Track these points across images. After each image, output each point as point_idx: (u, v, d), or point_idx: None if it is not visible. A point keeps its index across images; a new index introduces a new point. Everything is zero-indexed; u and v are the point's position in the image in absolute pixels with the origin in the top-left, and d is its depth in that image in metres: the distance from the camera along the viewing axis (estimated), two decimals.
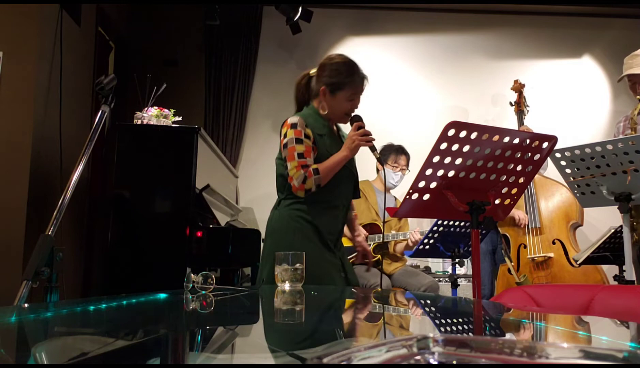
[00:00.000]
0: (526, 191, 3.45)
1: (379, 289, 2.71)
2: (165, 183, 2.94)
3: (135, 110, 3.10)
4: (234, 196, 4.38)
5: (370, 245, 3.16)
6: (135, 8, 4.64)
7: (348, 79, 2.09)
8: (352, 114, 2.14)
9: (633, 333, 0.78)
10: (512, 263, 3.35)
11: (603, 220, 3.59)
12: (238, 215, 4.21)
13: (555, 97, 4.77)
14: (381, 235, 3.17)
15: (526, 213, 3.45)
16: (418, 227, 3.24)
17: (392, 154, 3.41)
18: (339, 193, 2.14)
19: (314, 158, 2.07)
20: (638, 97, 2.72)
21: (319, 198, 2.07)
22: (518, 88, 3.87)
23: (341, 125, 2.30)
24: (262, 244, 3.23)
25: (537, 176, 3.48)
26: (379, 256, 3.21)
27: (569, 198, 3.36)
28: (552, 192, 3.47)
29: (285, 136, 2.09)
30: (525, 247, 3.40)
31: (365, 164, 3.04)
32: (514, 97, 3.89)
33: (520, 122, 3.78)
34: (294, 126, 2.07)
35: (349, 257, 2.46)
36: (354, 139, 2.06)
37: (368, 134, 2.07)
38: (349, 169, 2.17)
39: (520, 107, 3.82)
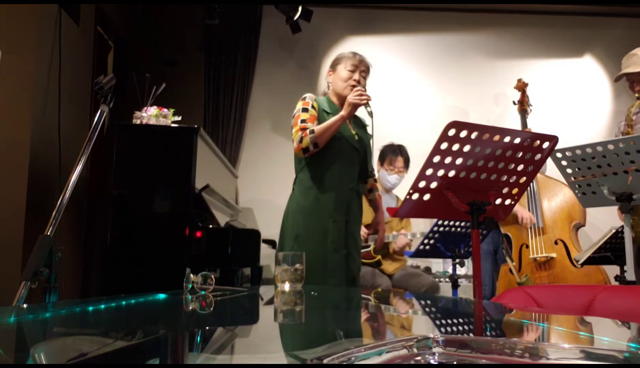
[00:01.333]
0: (529, 191, 3.43)
1: (380, 289, 2.71)
2: (165, 183, 2.93)
3: (135, 110, 3.09)
4: (233, 196, 4.37)
5: (370, 245, 3.15)
6: (134, 8, 4.64)
7: (345, 54, 2.39)
8: None
9: (634, 334, 0.78)
10: (514, 263, 3.34)
11: (605, 220, 3.58)
12: (238, 215, 4.20)
13: (556, 97, 4.76)
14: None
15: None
16: (403, 230, 3.23)
17: (388, 155, 3.39)
18: (337, 169, 2.25)
19: None
20: (636, 94, 2.73)
21: (325, 175, 2.23)
22: (522, 86, 3.85)
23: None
24: (261, 244, 3.23)
25: (540, 176, 3.47)
26: (379, 257, 3.20)
27: (572, 198, 3.34)
28: (555, 192, 3.45)
29: (295, 109, 2.28)
30: (527, 247, 3.39)
31: None
32: (516, 96, 3.87)
33: (524, 120, 3.76)
34: (303, 99, 2.29)
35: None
36: (347, 98, 2.20)
37: (363, 93, 2.18)
38: (352, 146, 2.28)
39: (523, 106, 3.80)
